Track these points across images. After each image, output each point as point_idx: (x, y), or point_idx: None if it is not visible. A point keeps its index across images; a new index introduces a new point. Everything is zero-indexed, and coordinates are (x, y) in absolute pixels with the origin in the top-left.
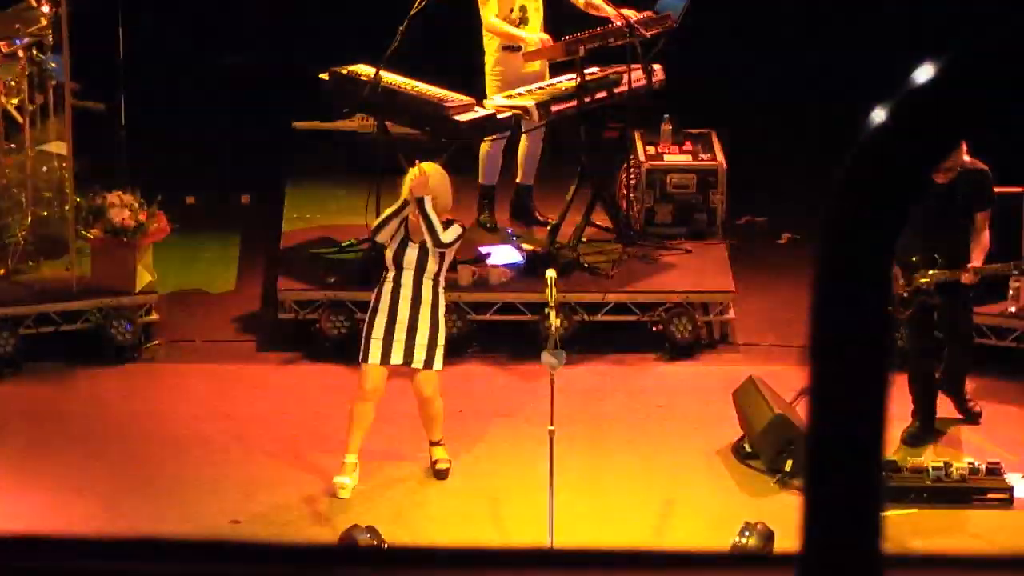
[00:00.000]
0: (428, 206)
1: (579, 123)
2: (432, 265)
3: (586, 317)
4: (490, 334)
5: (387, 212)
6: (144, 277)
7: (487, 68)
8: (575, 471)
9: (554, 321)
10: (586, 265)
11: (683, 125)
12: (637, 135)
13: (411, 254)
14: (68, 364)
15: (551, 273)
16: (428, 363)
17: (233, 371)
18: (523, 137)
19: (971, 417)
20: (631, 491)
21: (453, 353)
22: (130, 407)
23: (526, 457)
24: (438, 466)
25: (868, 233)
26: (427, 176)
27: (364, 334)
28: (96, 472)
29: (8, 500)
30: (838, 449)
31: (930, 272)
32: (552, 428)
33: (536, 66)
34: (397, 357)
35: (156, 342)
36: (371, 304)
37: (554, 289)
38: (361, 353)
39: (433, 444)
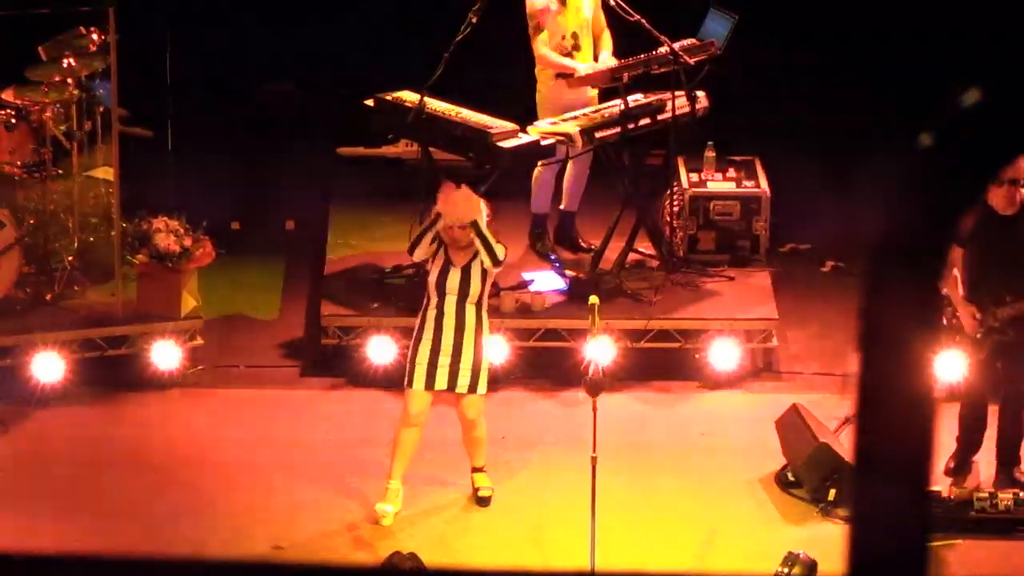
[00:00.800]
0: (483, 224)
1: (623, 150)
2: (475, 289)
3: (629, 344)
4: (533, 361)
5: (419, 229)
6: (189, 302)
7: (538, 96)
8: (617, 498)
9: (597, 348)
10: (629, 292)
11: (727, 152)
12: (680, 162)
13: (453, 280)
14: (113, 389)
15: (594, 299)
16: (472, 388)
17: (276, 397)
18: (569, 164)
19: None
20: (673, 519)
21: (496, 380)
22: (174, 432)
23: (568, 484)
24: (480, 493)
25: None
26: (475, 198)
27: (409, 359)
28: (139, 496)
29: (53, 523)
30: (885, 478)
31: (999, 310)
32: (595, 455)
33: (589, 93)
34: (442, 382)
35: (200, 367)
36: (415, 330)
37: (597, 316)
38: (406, 378)
39: (476, 470)
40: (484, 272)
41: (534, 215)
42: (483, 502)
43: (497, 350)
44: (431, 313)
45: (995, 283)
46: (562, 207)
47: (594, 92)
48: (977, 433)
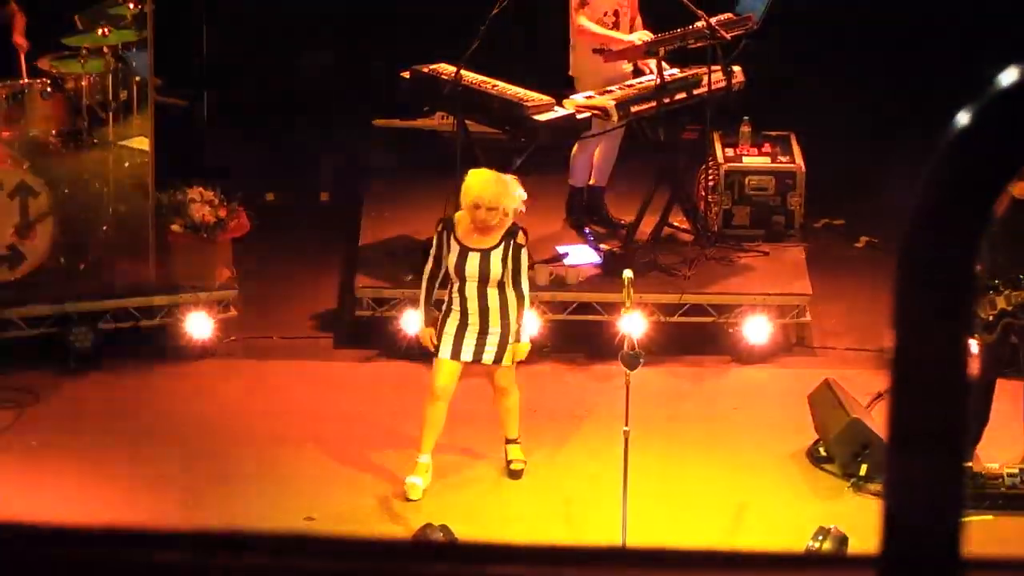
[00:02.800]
0: (522, 257)
1: (658, 124)
2: (496, 274)
3: (662, 318)
4: (567, 334)
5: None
6: (223, 273)
7: (574, 69)
8: (649, 472)
9: (630, 322)
10: (663, 266)
11: (762, 127)
12: (716, 136)
13: (472, 265)
14: (146, 360)
15: (628, 273)
16: (499, 359)
17: (310, 368)
18: (601, 138)
19: None
20: (705, 494)
21: (531, 352)
22: (206, 403)
23: (600, 458)
24: (513, 466)
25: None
26: (505, 180)
27: (438, 330)
28: (171, 468)
29: (84, 493)
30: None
31: (1013, 293)
32: (627, 429)
33: (624, 68)
34: (467, 354)
35: (233, 338)
36: (445, 303)
37: (631, 290)
38: (434, 348)
39: (509, 442)
40: (508, 257)
41: (572, 188)
42: (515, 475)
43: (531, 323)
44: (455, 295)
45: (1008, 266)
46: (591, 182)
47: (629, 67)
48: (979, 424)
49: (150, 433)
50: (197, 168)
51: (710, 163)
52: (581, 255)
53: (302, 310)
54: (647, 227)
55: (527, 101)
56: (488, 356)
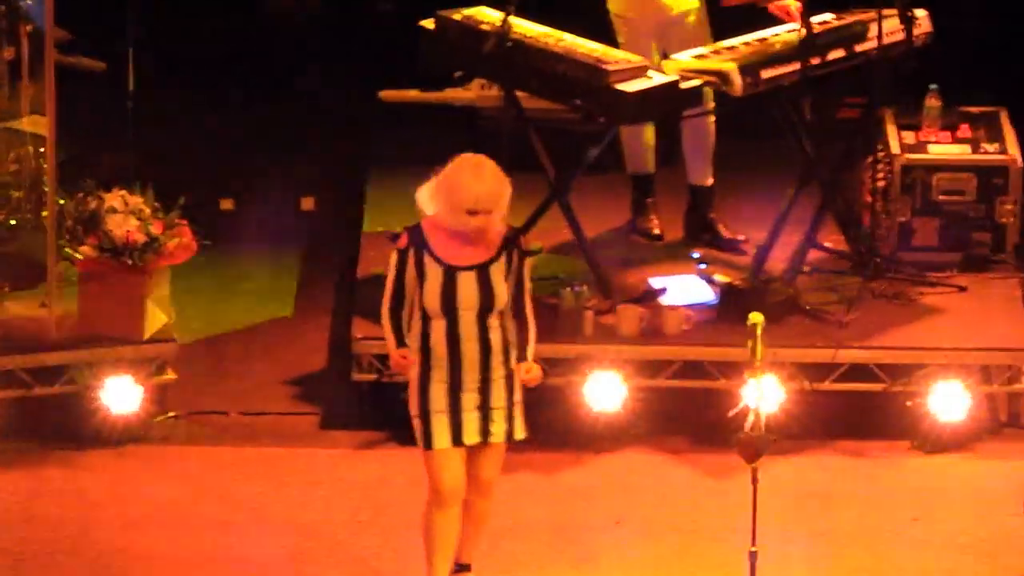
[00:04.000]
0: (527, 274)
1: (802, 97)
2: (501, 295)
3: (807, 384)
4: (665, 408)
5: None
6: (157, 318)
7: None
8: None
9: (759, 390)
10: (808, 307)
11: (958, 101)
12: (888, 115)
13: (468, 290)
14: (38, 446)
15: (756, 318)
16: (511, 433)
17: (285, 458)
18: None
19: None
20: None
21: (609, 437)
22: (131, 511)
23: None
24: None
25: None
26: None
27: (418, 412)
28: None
29: None
30: None
31: None
32: (754, 550)
33: (691, 15)
34: (472, 433)
35: (172, 414)
36: (417, 369)
37: (760, 343)
38: (421, 439)
39: (460, 570)
40: (511, 272)
41: (632, 178)
42: None
43: (609, 392)
44: (437, 341)
45: None
46: (690, 181)
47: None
48: None
49: (46, 556)
50: (120, 163)
51: (879, 154)
52: (685, 291)
53: (274, 372)
54: (784, 250)
55: (608, 63)
56: (498, 430)
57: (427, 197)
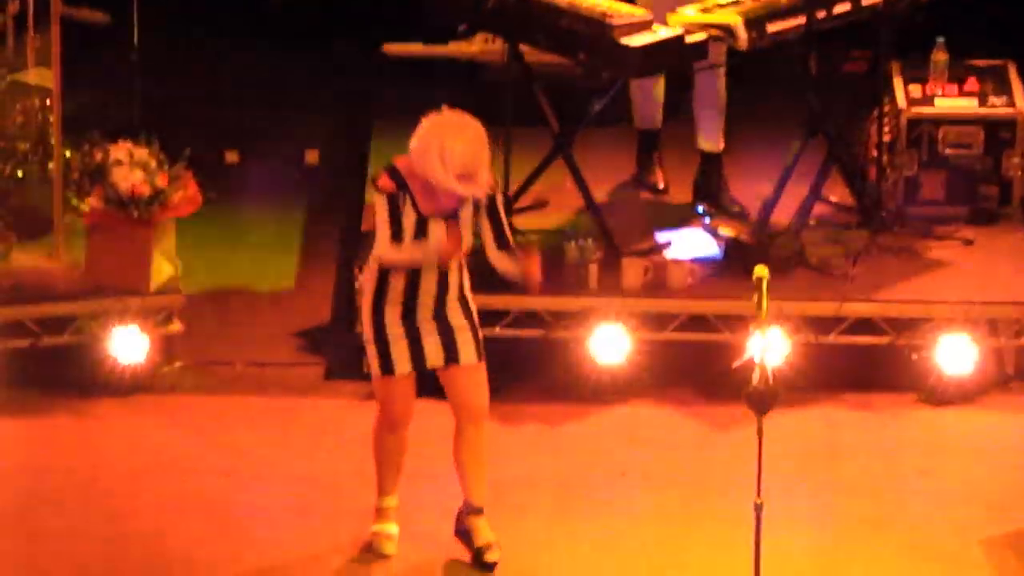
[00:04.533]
0: (500, 204)
1: (808, 50)
2: (467, 242)
3: (813, 338)
4: (670, 361)
5: (407, 257)
6: (163, 269)
7: None
8: (794, 563)
9: (764, 343)
10: (814, 261)
11: (965, 54)
12: (895, 68)
13: (436, 234)
14: (47, 395)
15: (762, 271)
16: (480, 353)
17: (289, 408)
18: (696, 76)
19: None
20: None
21: (615, 390)
22: (138, 460)
23: (720, 541)
24: (487, 555)
25: None
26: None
27: (371, 337)
28: (90, 556)
29: None
30: None
31: None
32: (759, 502)
33: None
34: (436, 356)
35: (179, 364)
36: (367, 303)
37: (765, 296)
38: (376, 363)
39: (472, 512)
40: (480, 216)
41: (639, 133)
42: (487, 568)
43: (614, 346)
44: (396, 278)
45: None
46: (700, 146)
47: None
48: None
49: (53, 506)
50: (125, 115)
51: (886, 108)
52: (690, 244)
53: (278, 323)
54: (790, 204)
55: (613, 17)
56: (468, 351)
57: (419, 152)
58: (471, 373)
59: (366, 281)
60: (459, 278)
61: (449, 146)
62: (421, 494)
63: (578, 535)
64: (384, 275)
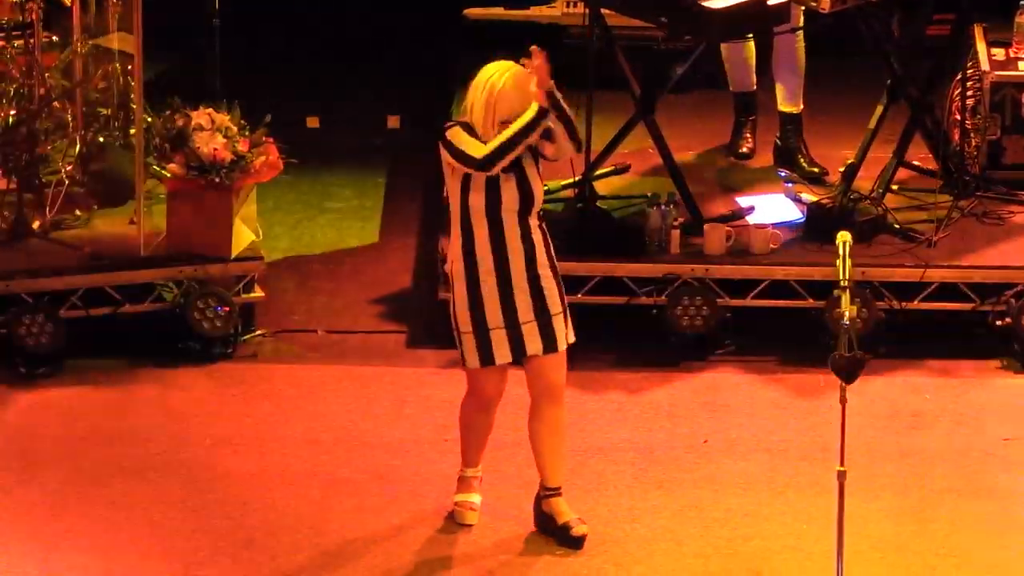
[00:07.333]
0: (560, 97)
1: (891, 13)
2: (540, 194)
3: (897, 304)
4: (752, 327)
5: (509, 133)
6: (244, 236)
7: None
8: (876, 531)
9: (847, 309)
10: (897, 226)
11: None
12: (979, 31)
13: (508, 189)
14: (130, 363)
15: (844, 237)
16: (567, 337)
17: (371, 376)
18: (776, 41)
19: None
20: (958, 564)
21: (696, 356)
22: (220, 427)
23: (802, 509)
24: (574, 530)
25: None
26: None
27: (470, 325)
28: (171, 524)
29: (41, 564)
30: None
31: None
32: (842, 469)
33: None
34: (534, 343)
35: (260, 332)
36: (460, 282)
37: (849, 262)
38: (474, 354)
39: (549, 493)
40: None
41: (735, 96)
42: (577, 543)
43: (696, 312)
44: (481, 248)
45: None
46: (781, 107)
47: None
48: None
49: (136, 473)
50: (208, 80)
51: (969, 72)
52: (772, 210)
53: (361, 291)
54: (872, 169)
55: None
56: (564, 338)
57: (480, 105)
58: (560, 356)
59: (456, 267)
60: (543, 236)
61: (501, 87)
62: (502, 465)
63: (659, 505)
64: (471, 255)
